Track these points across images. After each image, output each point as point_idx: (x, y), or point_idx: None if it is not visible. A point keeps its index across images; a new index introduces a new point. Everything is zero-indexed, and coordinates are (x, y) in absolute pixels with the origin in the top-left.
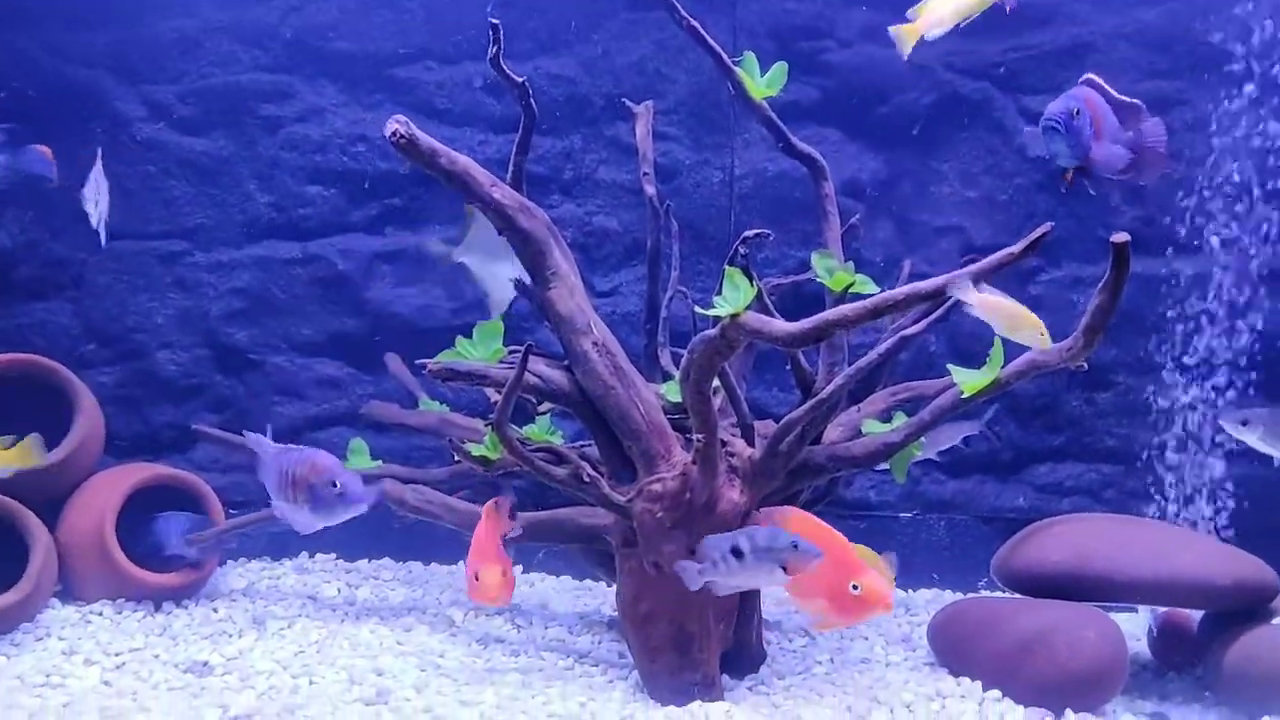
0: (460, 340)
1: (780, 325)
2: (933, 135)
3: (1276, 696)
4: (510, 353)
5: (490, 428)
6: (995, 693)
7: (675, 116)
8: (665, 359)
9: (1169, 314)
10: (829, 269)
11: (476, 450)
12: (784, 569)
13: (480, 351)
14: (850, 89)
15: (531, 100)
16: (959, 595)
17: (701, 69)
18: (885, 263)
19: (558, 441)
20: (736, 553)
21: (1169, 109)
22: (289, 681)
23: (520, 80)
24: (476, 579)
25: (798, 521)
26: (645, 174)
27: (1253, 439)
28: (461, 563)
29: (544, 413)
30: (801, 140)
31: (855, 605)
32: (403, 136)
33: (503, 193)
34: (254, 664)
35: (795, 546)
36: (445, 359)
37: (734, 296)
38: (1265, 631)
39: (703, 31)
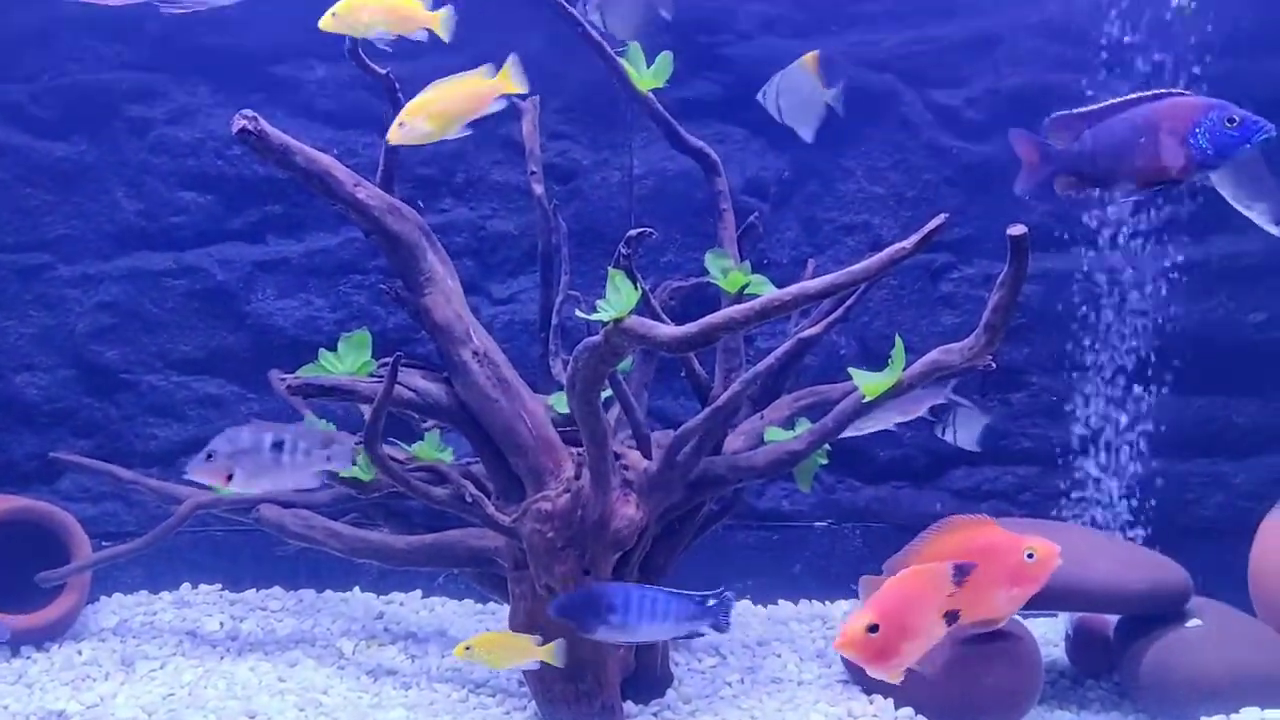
0: (324, 353)
1: (665, 329)
2: (838, 131)
3: (1194, 702)
4: (381, 365)
5: (361, 446)
6: (908, 710)
7: (572, 114)
8: (557, 368)
9: (1080, 311)
10: (723, 269)
11: (346, 471)
12: None
13: (346, 364)
14: (751, 84)
15: (399, 94)
16: None
17: (598, 64)
18: (792, 263)
19: (448, 460)
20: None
21: (1075, 101)
22: None
23: (384, 72)
24: None
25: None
26: (533, 172)
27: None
28: (356, 589)
29: (429, 429)
30: (704, 139)
31: (1037, 570)
32: (251, 133)
33: (368, 193)
34: (115, 711)
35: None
36: (306, 373)
37: (617, 300)
38: (1181, 636)
39: (582, 20)
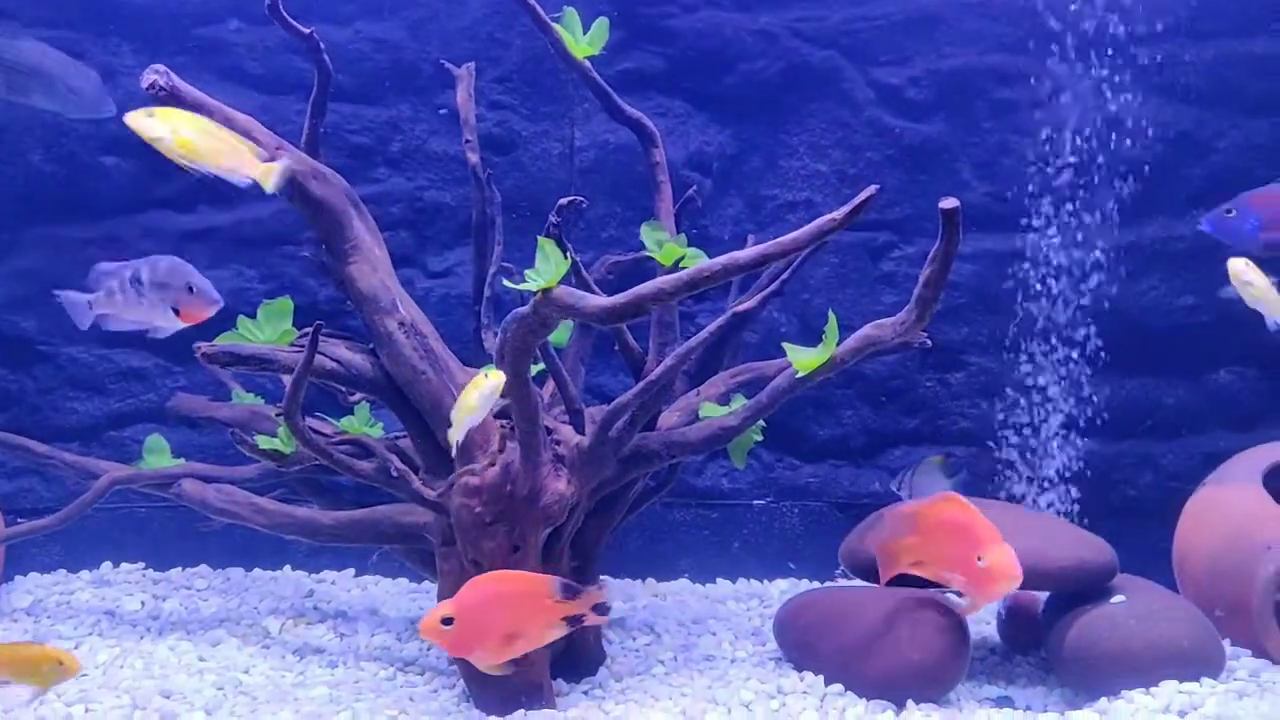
0: (242, 320)
1: (594, 300)
2: (781, 106)
3: (1115, 676)
4: (302, 335)
5: (281, 418)
6: (837, 687)
7: (511, 84)
8: (489, 341)
9: (1018, 291)
10: (659, 241)
11: (266, 443)
12: (176, 311)
13: (266, 333)
14: (695, 57)
15: (324, 55)
16: (816, 584)
17: (539, 34)
18: (734, 240)
19: (377, 433)
20: (136, 282)
21: (1014, 83)
22: (60, 710)
23: (307, 31)
24: None
25: (945, 501)
26: (468, 141)
27: None
28: (287, 567)
29: (356, 402)
30: (646, 112)
31: (983, 578)
32: (162, 89)
33: (291, 156)
34: (22, 693)
35: (191, 289)
36: (225, 341)
37: (546, 269)
38: (1104, 611)
39: None
